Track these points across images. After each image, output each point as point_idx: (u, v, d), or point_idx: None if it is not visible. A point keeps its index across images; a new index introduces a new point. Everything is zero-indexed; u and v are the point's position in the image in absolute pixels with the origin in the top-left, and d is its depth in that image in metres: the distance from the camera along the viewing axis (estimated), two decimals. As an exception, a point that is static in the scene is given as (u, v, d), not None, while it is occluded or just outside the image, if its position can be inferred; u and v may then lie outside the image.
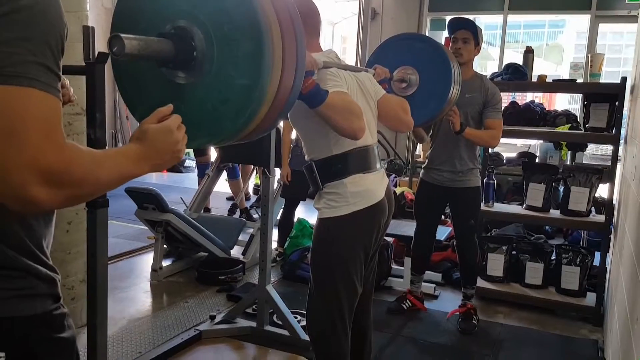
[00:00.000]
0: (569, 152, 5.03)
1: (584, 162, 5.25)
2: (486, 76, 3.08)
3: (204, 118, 1.15)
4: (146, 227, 3.95)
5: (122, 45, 1.01)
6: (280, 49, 1.15)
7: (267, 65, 1.12)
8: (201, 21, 1.11)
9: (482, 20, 8.38)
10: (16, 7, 0.72)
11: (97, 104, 1.57)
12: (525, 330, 3.13)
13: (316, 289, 1.88)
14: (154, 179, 7.37)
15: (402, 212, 4.55)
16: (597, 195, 3.63)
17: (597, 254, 3.41)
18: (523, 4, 7.13)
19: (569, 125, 3.84)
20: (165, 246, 3.85)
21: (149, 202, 3.60)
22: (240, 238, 4.17)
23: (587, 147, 4.90)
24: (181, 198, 4.53)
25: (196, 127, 1.13)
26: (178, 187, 6.69)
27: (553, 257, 3.55)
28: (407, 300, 3.30)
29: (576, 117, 4.16)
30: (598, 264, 3.36)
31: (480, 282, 3.45)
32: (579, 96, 6.13)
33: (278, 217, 4.17)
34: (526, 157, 5.78)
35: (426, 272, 3.41)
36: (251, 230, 4.23)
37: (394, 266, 3.84)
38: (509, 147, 7.12)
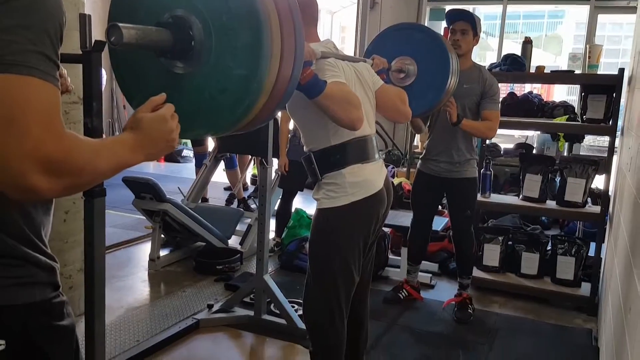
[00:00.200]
0: (567, 144, 5.04)
1: (581, 153, 5.26)
2: (484, 67, 3.07)
3: (202, 108, 1.15)
4: (144, 217, 3.96)
5: (120, 34, 1.00)
6: (279, 39, 1.15)
7: (265, 56, 1.11)
8: (199, 10, 1.11)
9: (482, 10, 8.35)
10: None
11: (93, 92, 1.56)
12: (521, 320, 3.16)
13: (314, 278, 1.89)
14: (151, 169, 7.36)
15: (399, 203, 4.56)
16: (593, 186, 3.64)
17: (593, 245, 3.44)
18: (522, -6, 7.10)
19: (567, 116, 3.84)
20: (162, 236, 3.85)
21: (146, 192, 3.60)
22: (237, 228, 4.18)
23: (584, 138, 4.91)
24: (179, 188, 4.53)
25: (194, 117, 1.13)
26: (175, 177, 6.68)
27: (549, 248, 3.58)
28: (404, 290, 3.32)
29: (574, 108, 4.16)
30: (593, 255, 3.38)
31: (476, 272, 3.47)
32: (577, 87, 6.13)
33: (276, 208, 4.18)
34: (523, 148, 5.79)
35: (423, 262, 3.43)
36: (249, 221, 4.23)
37: (391, 256, 3.86)
38: (506, 138, 7.12)
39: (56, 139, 0.74)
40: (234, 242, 4.09)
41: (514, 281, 3.50)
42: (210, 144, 5.37)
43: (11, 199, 0.76)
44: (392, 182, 2.64)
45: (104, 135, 1.76)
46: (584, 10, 6.93)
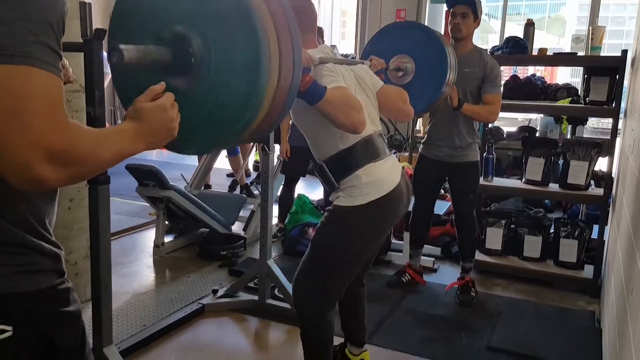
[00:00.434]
0: (570, 126, 5.02)
1: (584, 136, 5.23)
2: (486, 50, 3.05)
3: (202, 124, 1.16)
4: (147, 204, 3.98)
5: (122, 56, 1.04)
6: (277, 54, 1.16)
7: (264, 72, 1.12)
8: (198, 27, 1.12)
9: (484, -8, 8.25)
10: None
11: (95, 81, 1.57)
12: (523, 302, 3.18)
13: (314, 272, 1.94)
14: (154, 156, 7.37)
15: (402, 187, 4.58)
16: (596, 169, 3.63)
17: (596, 227, 3.44)
18: (525, -24, 6.99)
19: (570, 99, 3.82)
20: (166, 222, 3.88)
21: (149, 179, 3.62)
22: (240, 214, 4.20)
23: (587, 120, 4.89)
24: (182, 175, 4.54)
25: (194, 133, 1.14)
26: (178, 164, 6.69)
27: (551, 231, 3.58)
28: (407, 274, 3.34)
29: (577, 90, 4.13)
30: (596, 237, 3.39)
31: (479, 256, 3.48)
32: (580, 69, 6.08)
33: (278, 194, 4.20)
34: (526, 131, 5.76)
35: (425, 246, 3.44)
36: (252, 207, 4.25)
37: (393, 240, 3.87)
38: (509, 122, 7.08)
39: (59, 130, 0.75)
40: (237, 228, 4.11)
41: (516, 264, 3.51)
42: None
43: (16, 188, 0.76)
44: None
45: (107, 124, 1.77)
46: (587, -10, 6.84)
